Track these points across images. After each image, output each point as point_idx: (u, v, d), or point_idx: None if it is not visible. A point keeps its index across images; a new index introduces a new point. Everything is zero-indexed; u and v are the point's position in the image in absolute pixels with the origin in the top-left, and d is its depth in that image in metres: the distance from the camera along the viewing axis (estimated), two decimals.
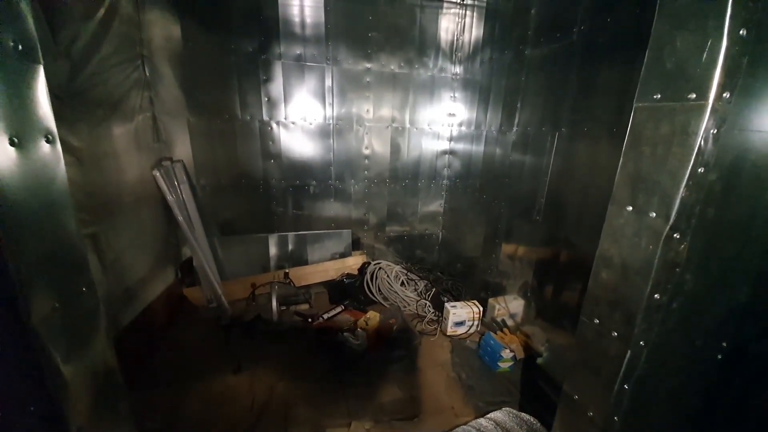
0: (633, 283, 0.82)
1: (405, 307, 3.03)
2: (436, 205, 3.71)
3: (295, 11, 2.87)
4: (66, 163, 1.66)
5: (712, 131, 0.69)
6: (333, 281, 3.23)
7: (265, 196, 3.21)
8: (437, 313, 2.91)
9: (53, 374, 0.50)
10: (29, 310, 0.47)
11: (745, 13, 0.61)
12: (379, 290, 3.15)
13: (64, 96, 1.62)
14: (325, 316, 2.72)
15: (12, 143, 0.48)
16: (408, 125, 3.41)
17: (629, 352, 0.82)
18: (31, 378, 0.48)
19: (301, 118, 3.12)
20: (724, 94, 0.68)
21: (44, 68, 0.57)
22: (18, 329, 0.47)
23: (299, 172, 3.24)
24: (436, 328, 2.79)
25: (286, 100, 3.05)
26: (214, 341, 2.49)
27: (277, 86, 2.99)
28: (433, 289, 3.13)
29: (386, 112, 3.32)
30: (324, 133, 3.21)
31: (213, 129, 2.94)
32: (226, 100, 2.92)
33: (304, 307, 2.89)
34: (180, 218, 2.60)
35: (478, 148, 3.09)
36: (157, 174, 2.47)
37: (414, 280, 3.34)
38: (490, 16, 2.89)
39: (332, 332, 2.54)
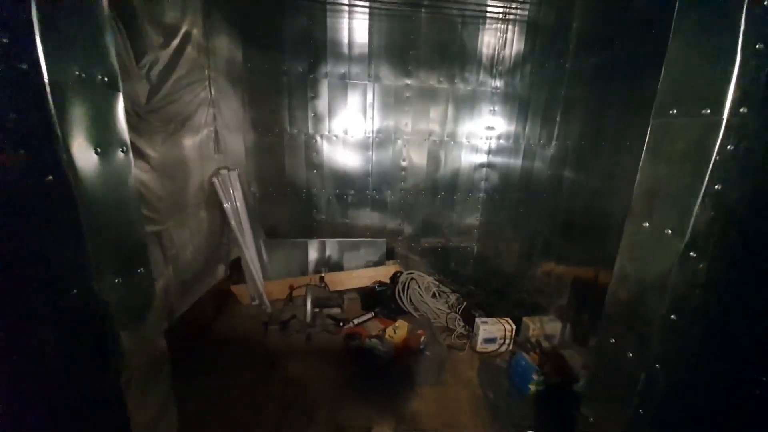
0: (649, 302, 0.78)
1: (435, 319, 3.02)
2: (472, 219, 3.67)
3: (343, 34, 3.09)
4: (142, 170, 1.94)
5: (728, 147, 0.66)
6: (366, 288, 3.32)
7: (307, 203, 3.43)
8: (467, 327, 2.85)
9: (112, 334, 0.63)
10: (99, 281, 0.61)
11: (760, 27, 0.59)
12: (410, 300, 3.16)
13: (143, 113, 1.92)
14: (356, 321, 2.80)
15: (96, 152, 0.63)
16: (446, 138, 3.45)
17: (643, 374, 0.78)
18: (95, 337, 0.62)
19: (343, 131, 3.31)
20: (741, 110, 0.64)
21: (123, 93, 0.73)
22: (89, 297, 0.61)
23: (339, 181, 3.42)
24: (465, 343, 2.73)
25: (330, 115, 3.25)
26: (253, 336, 2.68)
27: (322, 102, 3.22)
28: (464, 303, 3.08)
29: (424, 125, 3.39)
30: (364, 145, 3.36)
31: (264, 142, 3.23)
32: (278, 116, 3.19)
33: (336, 311, 3.00)
34: (233, 222, 2.87)
35: (515, 162, 3.02)
36: (216, 181, 2.76)
37: (446, 292, 3.31)
38: (531, 31, 2.86)
39: (361, 338, 2.61)
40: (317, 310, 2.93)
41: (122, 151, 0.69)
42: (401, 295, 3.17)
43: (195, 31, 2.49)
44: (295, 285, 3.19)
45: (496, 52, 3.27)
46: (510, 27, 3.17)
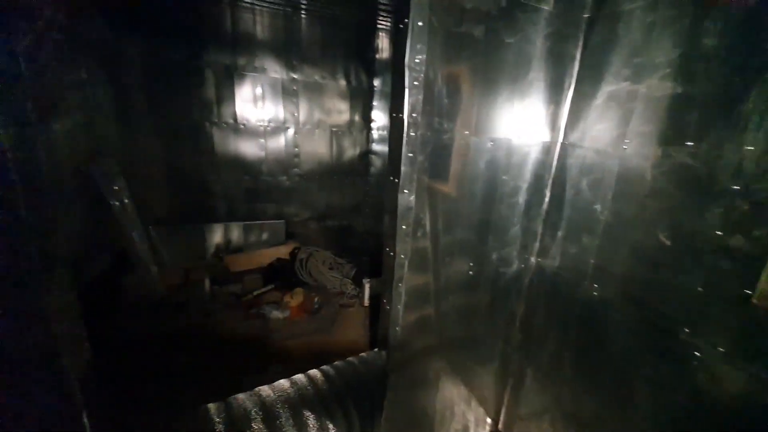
0: (392, 222, 1.49)
1: (331, 286, 3.64)
2: (362, 199, 4.36)
3: (226, 23, 3.42)
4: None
5: (411, 133, 1.37)
6: (266, 266, 3.77)
7: (201, 189, 3.70)
8: (357, 289, 3.54)
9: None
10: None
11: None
12: (310, 274, 3.73)
13: None
14: (255, 293, 3.27)
15: None
16: (334, 128, 4.05)
17: (395, 260, 1.49)
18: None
19: (232, 119, 3.66)
20: (413, 114, 1.36)
21: None
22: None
23: (234, 167, 3.76)
24: (354, 302, 3.42)
25: (218, 104, 3.57)
26: (150, 320, 2.95)
27: (209, 91, 3.51)
28: (355, 270, 3.76)
29: (314, 116, 3.93)
30: (256, 133, 3.76)
31: (145, 127, 3.40)
32: (158, 101, 3.39)
33: (237, 287, 3.41)
34: (116, 209, 3.05)
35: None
36: (94, 168, 2.91)
37: (342, 263, 3.96)
38: None
39: (259, 305, 3.10)
40: (216, 287, 3.30)
41: None
42: (301, 269, 3.72)
43: (59, 15, 2.61)
44: (193, 269, 3.49)
45: (374, 56, 3.96)
46: (381, 34, 3.88)
